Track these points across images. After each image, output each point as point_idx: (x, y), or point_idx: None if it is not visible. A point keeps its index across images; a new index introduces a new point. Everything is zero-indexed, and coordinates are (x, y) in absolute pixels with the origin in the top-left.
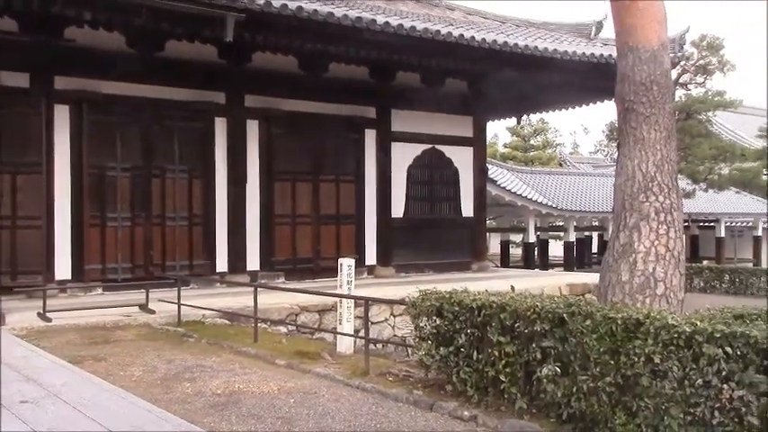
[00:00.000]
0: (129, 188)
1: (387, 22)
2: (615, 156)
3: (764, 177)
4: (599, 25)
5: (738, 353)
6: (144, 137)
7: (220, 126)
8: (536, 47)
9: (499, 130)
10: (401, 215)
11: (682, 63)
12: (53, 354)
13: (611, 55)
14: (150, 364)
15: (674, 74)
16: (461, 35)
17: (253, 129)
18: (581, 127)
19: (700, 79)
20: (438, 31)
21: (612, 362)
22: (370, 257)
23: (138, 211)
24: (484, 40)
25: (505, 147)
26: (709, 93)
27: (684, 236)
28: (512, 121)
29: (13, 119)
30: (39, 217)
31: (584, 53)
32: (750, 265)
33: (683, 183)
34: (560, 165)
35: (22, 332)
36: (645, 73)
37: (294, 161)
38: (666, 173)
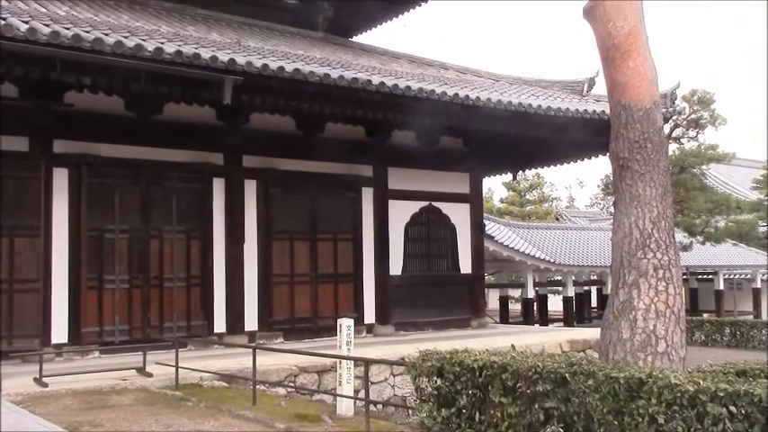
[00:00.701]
0: (127, 250)
1: (382, 83)
2: (611, 209)
3: (761, 229)
4: (591, 82)
5: (743, 412)
6: (142, 198)
7: (218, 186)
8: (529, 104)
9: (495, 185)
10: (399, 273)
11: (674, 118)
12: (49, 420)
13: (603, 111)
14: (147, 430)
15: (666, 128)
16: (456, 94)
17: (251, 188)
18: (576, 181)
19: (692, 133)
20: (432, 91)
21: (616, 422)
22: (369, 316)
23: (135, 273)
24: (478, 98)
25: (502, 202)
26: (702, 146)
27: (683, 289)
28: (507, 176)
29: (11, 183)
30: (36, 280)
31: (576, 110)
32: (750, 317)
33: (680, 236)
34: (557, 219)
35: (18, 398)
36: (638, 131)
37: (292, 220)
38: (663, 229)
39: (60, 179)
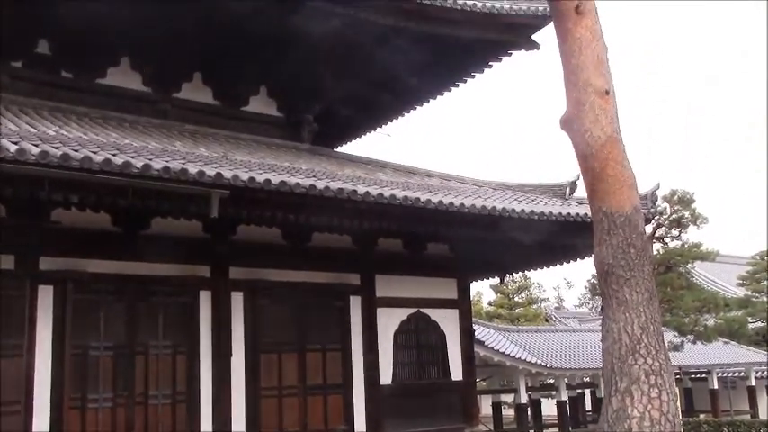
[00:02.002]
0: (112, 367)
1: (367, 192)
2: (600, 308)
3: (751, 326)
4: (573, 185)
5: None
6: (128, 313)
7: (205, 299)
8: (513, 209)
9: (483, 288)
10: (389, 381)
11: (656, 218)
12: None
13: (586, 214)
14: None
15: (649, 228)
16: (440, 201)
17: (237, 300)
18: (564, 281)
19: (675, 232)
20: (417, 199)
21: None
22: (360, 426)
23: (120, 391)
24: (462, 205)
25: (490, 305)
26: (686, 245)
27: (677, 389)
28: (495, 280)
29: None
30: (17, 401)
31: (560, 213)
32: (748, 416)
33: (671, 335)
34: (546, 320)
35: None
36: (621, 237)
37: (280, 331)
38: (653, 334)
39: (45, 296)
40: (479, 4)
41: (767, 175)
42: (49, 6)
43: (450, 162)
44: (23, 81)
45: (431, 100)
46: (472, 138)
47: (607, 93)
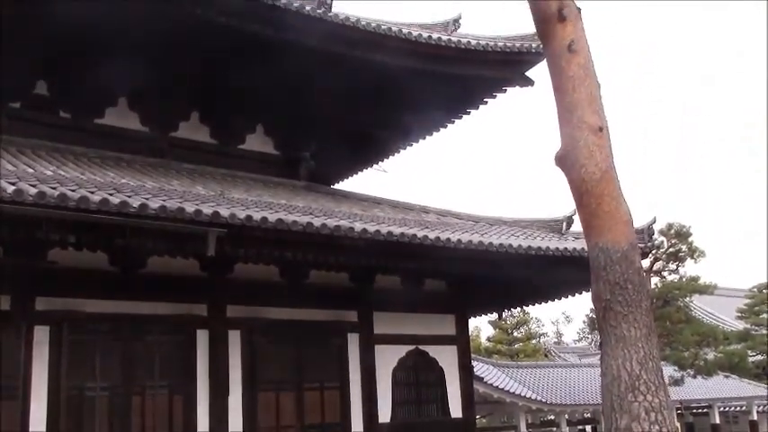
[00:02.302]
0: (108, 408)
1: (364, 229)
2: (599, 342)
3: (750, 360)
4: (569, 220)
5: None
6: (124, 354)
7: (202, 338)
8: (510, 244)
9: (481, 324)
10: (388, 420)
11: (653, 252)
12: None
13: (583, 249)
14: None
15: (646, 262)
16: (437, 237)
17: (235, 339)
18: (563, 315)
19: (673, 266)
20: (414, 235)
21: None
22: None
23: None
24: (459, 240)
25: (489, 340)
26: (684, 279)
27: (678, 424)
28: (493, 315)
29: None
30: None
31: (557, 248)
32: None
33: (671, 370)
34: (546, 356)
35: None
36: (618, 273)
37: (278, 370)
38: (651, 370)
39: (41, 337)
40: (473, 42)
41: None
42: (48, 49)
43: (447, 197)
44: (22, 121)
45: (426, 136)
46: (468, 172)
47: (601, 129)
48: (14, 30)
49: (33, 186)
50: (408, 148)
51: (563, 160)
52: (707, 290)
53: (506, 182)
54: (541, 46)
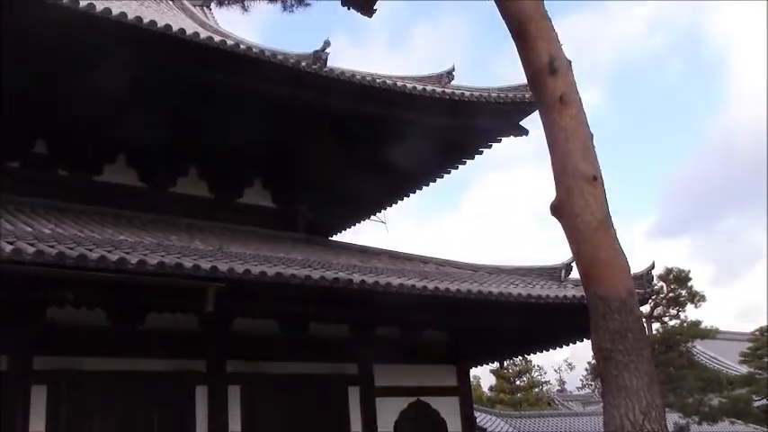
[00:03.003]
0: None
1: (363, 281)
2: (602, 391)
3: (755, 404)
4: (568, 267)
5: None
6: (123, 411)
7: (201, 394)
8: (509, 293)
9: (482, 373)
10: None
11: (652, 298)
12: None
13: (583, 296)
14: None
15: (646, 308)
16: (436, 287)
17: (234, 394)
18: (565, 363)
19: (673, 311)
20: (413, 286)
21: None
22: None
23: None
24: (459, 290)
25: (491, 390)
26: (685, 324)
27: None
28: (495, 364)
29: None
30: None
31: (556, 296)
32: None
33: (675, 416)
34: (549, 404)
35: None
36: (617, 322)
37: (278, 424)
38: (655, 420)
39: (39, 397)
40: (467, 94)
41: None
42: (47, 108)
43: (445, 243)
44: (21, 180)
45: (423, 187)
46: (465, 221)
47: (595, 178)
48: (15, 90)
49: (32, 245)
50: (405, 198)
51: (558, 210)
52: (709, 334)
53: (505, 229)
54: (534, 97)
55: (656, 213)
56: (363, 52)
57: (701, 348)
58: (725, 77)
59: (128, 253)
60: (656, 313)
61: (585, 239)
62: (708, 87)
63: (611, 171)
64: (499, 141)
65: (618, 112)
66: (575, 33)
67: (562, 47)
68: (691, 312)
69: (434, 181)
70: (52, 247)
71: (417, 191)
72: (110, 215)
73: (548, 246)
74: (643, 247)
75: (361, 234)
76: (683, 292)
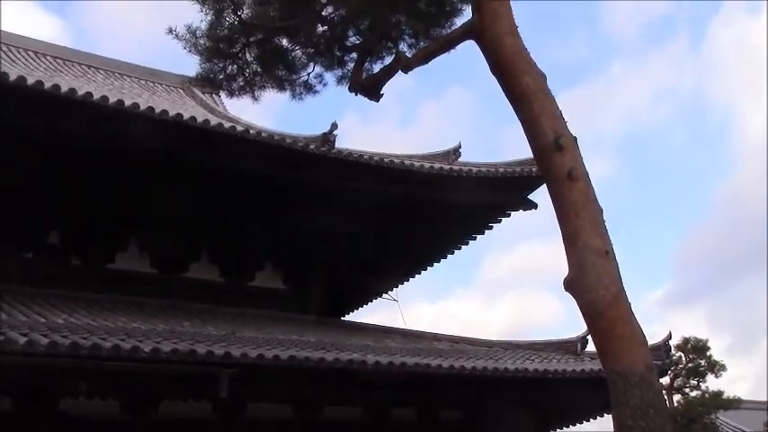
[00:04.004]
0: None
1: (377, 362)
2: None
3: None
4: (584, 340)
5: None
6: None
7: None
8: (526, 369)
9: None
10: None
11: (671, 369)
12: None
13: (600, 369)
14: None
15: (666, 380)
16: (451, 365)
17: None
18: None
19: (694, 382)
20: (428, 365)
21: None
22: None
23: None
24: (474, 368)
25: None
26: (707, 394)
27: None
28: None
29: None
30: None
31: (573, 370)
32: None
33: None
34: None
35: None
36: (638, 398)
37: None
38: None
39: None
40: (474, 170)
41: None
42: (61, 199)
43: (459, 317)
44: (34, 270)
45: (434, 263)
46: (480, 294)
47: (607, 253)
48: (30, 183)
49: (45, 336)
50: (416, 275)
51: (572, 285)
52: (731, 405)
53: (520, 300)
54: (541, 172)
55: (670, 281)
56: (375, 130)
57: (723, 419)
58: (729, 142)
59: (141, 341)
60: (676, 385)
61: (600, 315)
62: (713, 153)
63: (623, 240)
64: (508, 216)
65: (627, 181)
66: (581, 104)
67: (567, 123)
68: (711, 382)
69: (446, 257)
70: (65, 337)
71: (429, 268)
72: (122, 303)
73: (564, 316)
74: (659, 315)
75: (374, 312)
76: (703, 362)
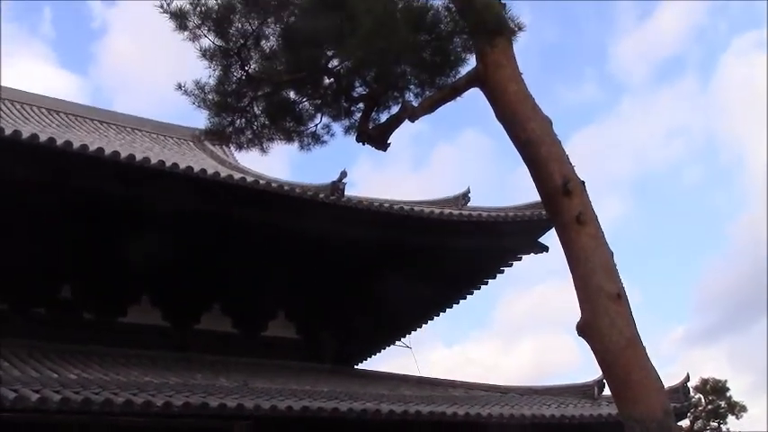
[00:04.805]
0: None
1: (391, 410)
2: None
3: None
4: (600, 384)
5: None
6: None
7: None
8: (542, 415)
9: None
10: None
11: (691, 411)
12: None
13: (618, 414)
14: None
15: (686, 422)
16: (467, 413)
17: None
18: None
19: (714, 424)
20: (443, 413)
21: None
22: None
23: None
24: (490, 414)
25: None
26: None
27: None
28: None
29: None
30: None
31: (591, 415)
32: None
33: None
34: None
35: None
36: None
37: None
38: None
39: None
40: (484, 215)
41: None
42: (73, 253)
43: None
44: (47, 325)
45: (447, 309)
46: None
47: (619, 296)
48: (42, 238)
49: (57, 392)
50: (429, 321)
51: (585, 330)
52: None
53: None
54: (549, 216)
55: (689, 319)
56: (388, 174)
57: None
58: (743, 177)
59: (153, 395)
60: (696, 427)
61: (615, 360)
62: (728, 189)
63: (641, 279)
64: (520, 259)
65: (642, 220)
66: (592, 144)
67: (574, 167)
68: (732, 423)
69: (458, 303)
70: (78, 393)
71: (441, 313)
72: (134, 356)
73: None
74: (678, 355)
75: (389, 358)
76: (723, 403)
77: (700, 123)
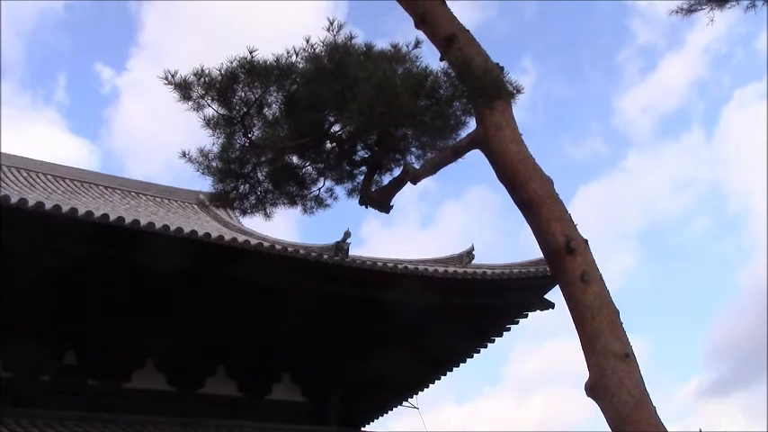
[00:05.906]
0: None
1: None
2: None
3: None
4: None
5: None
6: None
7: None
8: None
9: None
10: None
11: None
12: None
13: None
14: None
15: None
16: None
17: None
18: None
19: None
20: None
21: None
22: None
23: None
24: None
25: None
26: None
27: None
28: None
29: None
30: None
31: None
32: None
33: None
34: None
35: None
36: None
37: None
38: None
39: None
40: (489, 272)
41: None
42: (77, 320)
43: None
44: (51, 393)
45: (454, 368)
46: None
47: (627, 356)
48: (46, 305)
49: None
50: (436, 381)
51: (593, 390)
52: None
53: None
54: (553, 275)
55: (703, 371)
56: (396, 232)
57: None
58: (751, 227)
59: None
60: None
61: (625, 420)
62: (736, 238)
63: (652, 331)
64: (526, 316)
65: (651, 272)
66: (598, 197)
67: (576, 226)
68: None
69: (465, 361)
70: None
71: (449, 372)
72: (138, 422)
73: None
74: (694, 407)
75: (399, 418)
76: None
77: (705, 174)
